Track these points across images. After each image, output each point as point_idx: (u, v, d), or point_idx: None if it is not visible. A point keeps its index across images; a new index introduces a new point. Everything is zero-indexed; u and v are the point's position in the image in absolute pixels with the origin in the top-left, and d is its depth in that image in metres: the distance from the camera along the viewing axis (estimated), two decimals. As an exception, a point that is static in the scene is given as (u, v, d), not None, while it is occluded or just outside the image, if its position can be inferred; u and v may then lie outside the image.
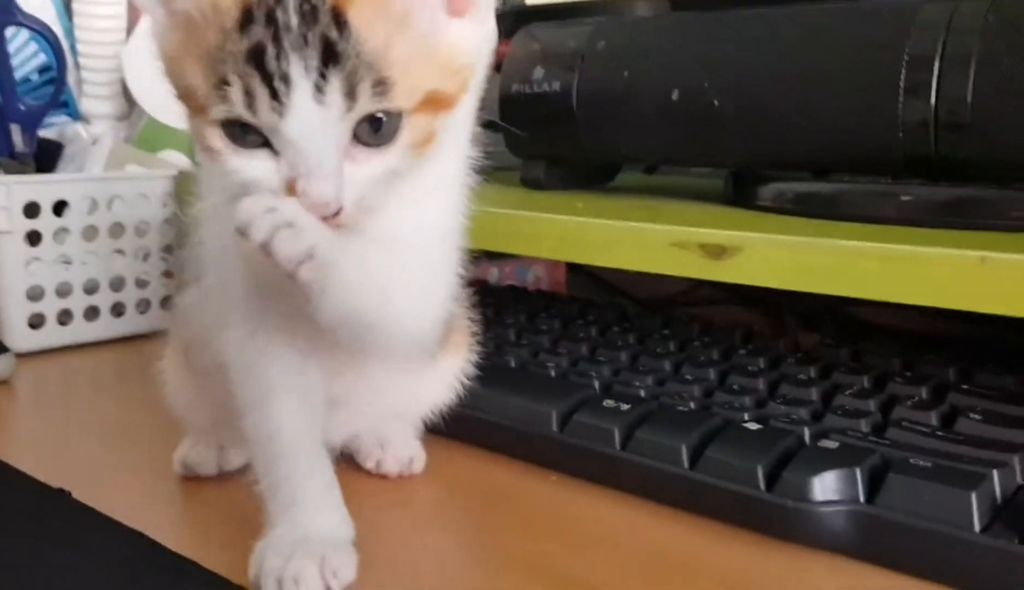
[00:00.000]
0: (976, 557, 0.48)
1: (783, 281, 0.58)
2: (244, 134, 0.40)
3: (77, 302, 0.97)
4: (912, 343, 0.72)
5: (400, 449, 0.64)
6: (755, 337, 0.76)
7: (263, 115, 0.39)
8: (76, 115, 1.04)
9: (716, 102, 0.72)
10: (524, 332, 0.80)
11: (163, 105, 1.03)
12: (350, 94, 0.39)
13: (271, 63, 0.38)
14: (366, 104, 0.39)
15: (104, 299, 0.98)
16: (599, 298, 0.96)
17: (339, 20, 0.38)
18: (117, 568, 0.51)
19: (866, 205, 0.66)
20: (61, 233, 0.94)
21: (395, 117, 0.41)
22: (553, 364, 0.73)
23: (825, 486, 0.52)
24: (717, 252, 0.60)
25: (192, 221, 0.56)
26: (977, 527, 0.49)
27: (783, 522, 0.53)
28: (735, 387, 0.66)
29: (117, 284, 0.99)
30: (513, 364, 0.74)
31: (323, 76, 0.38)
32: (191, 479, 0.64)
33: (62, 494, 0.59)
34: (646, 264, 0.64)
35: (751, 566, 0.53)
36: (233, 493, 0.62)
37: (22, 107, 0.95)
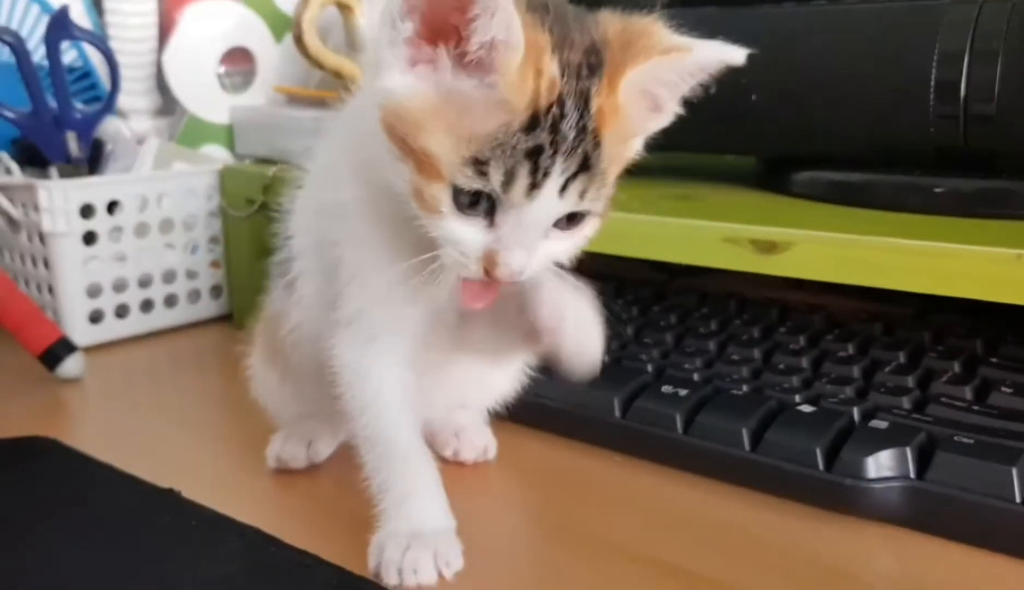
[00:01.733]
0: (1018, 525, 0.54)
1: (830, 275, 0.63)
2: (469, 203, 0.46)
3: (133, 296, 1.01)
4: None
5: (475, 437, 0.69)
6: (791, 313, 0.81)
7: (515, 197, 0.45)
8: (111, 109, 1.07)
9: (754, 96, 0.76)
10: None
11: (203, 103, 1.07)
12: (581, 196, 0.46)
13: (544, 161, 0.44)
14: (586, 205, 0.47)
15: (158, 291, 1.03)
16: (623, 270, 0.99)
17: (596, 138, 0.46)
18: (238, 564, 0.56)
19: (901, 195, 0.71)
20: (115, 232, 0.98)
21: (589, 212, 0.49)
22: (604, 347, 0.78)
23: (879, 464, 0.58)
24: (768, 247, 0.65)
25: (292, 231, 0.62)
26: (1018, 498, 0.54)
27: (841, 498, 0.59)
28: (781, 366, 0.71)
29: (169, 277, 1.03)
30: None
31: (572, 177, 0.45)
32: (283, 472, 0.69)
33: (171, 493, 0.64)
34: (698, 258, 0.69)
35: (812, 538, 0.58)
36: (324, 485, 0.67)
37: (77, 115, 0.98)
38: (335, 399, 0.57)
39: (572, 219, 0.48)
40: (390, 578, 0.53)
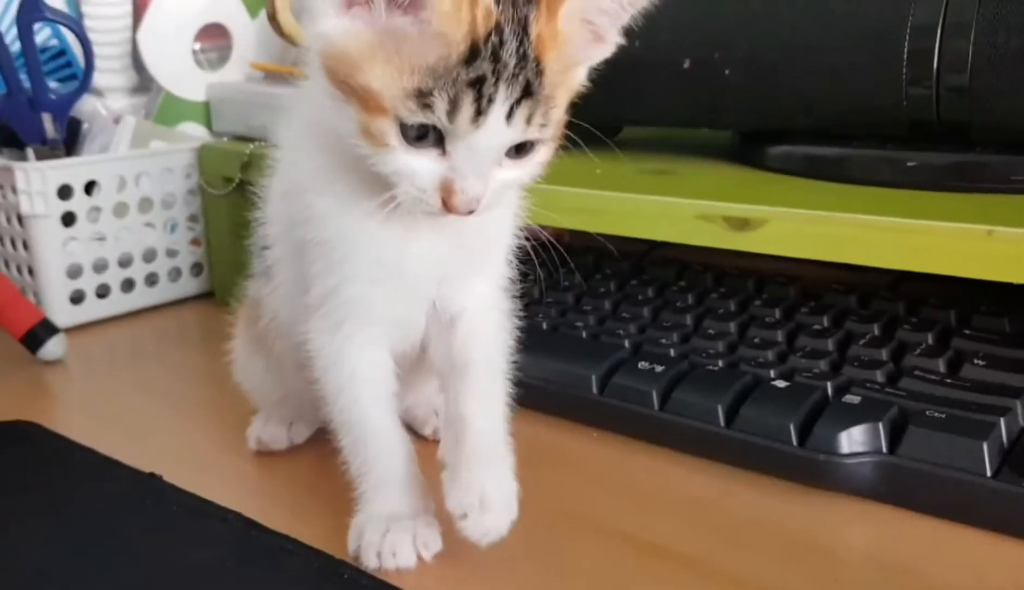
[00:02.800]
0: (989, 499, 0.55)
1: (803, 251, 0.63)
2: (416, 136, 0.46)
3: (113, 276, 1.01)
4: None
5: None
6: (767, 285, 0.81)
7: (461, 126, 0.45)
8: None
9: (727, 72, 0.76)
10: (547, 289, 0.85)
11: (179, 81, 1.06)
12: (527, 121, 0.47)
13: (488, 89, 0.45)
14: (533, 132, 0.47)
15: (138, 271, 1.03)
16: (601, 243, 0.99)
17: (538, 65, 0.46)
18: (220, 549, 0.57)
19: (874, 169, 0.71)
20: (94, 212, 0.98)
21: (539, 140, 0.49)
22: (582, 323, 0.78)
23: (852, 440, 0.59)
24: (740, 224, 0.65)
25: (266, 218, 0.62)
26: (988, 472, 0.55)
27: (814, 473, 0.59)
28: (756, 340, 0.72)
29: (149, 256, 1.03)
30: (544, 326, 0.79)
31: (517, 104, 0.46)
32: (264, 454, 0.69)
33: (153, 478, 0.64)
34: (672, 235, 0.69)
35: (786, 512, 0.59)
36: (304, 467, 0.68)
37: (52, 96, 0.97)
38: (312, 383, 0.58)
39: (523, 148, 0.48)
40: (370, 561, 0.53)
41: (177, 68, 1.06)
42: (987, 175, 0.66)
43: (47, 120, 0.97)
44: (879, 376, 0.65)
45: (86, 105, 1.04)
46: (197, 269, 1.08)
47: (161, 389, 0.84)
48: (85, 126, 1.05)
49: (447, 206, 0.47)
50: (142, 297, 1.04)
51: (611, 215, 0.72)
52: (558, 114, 0.48)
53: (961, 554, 0.54)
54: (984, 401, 0.60)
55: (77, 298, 0.99)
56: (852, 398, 0.61)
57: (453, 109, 0.44)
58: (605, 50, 0.50)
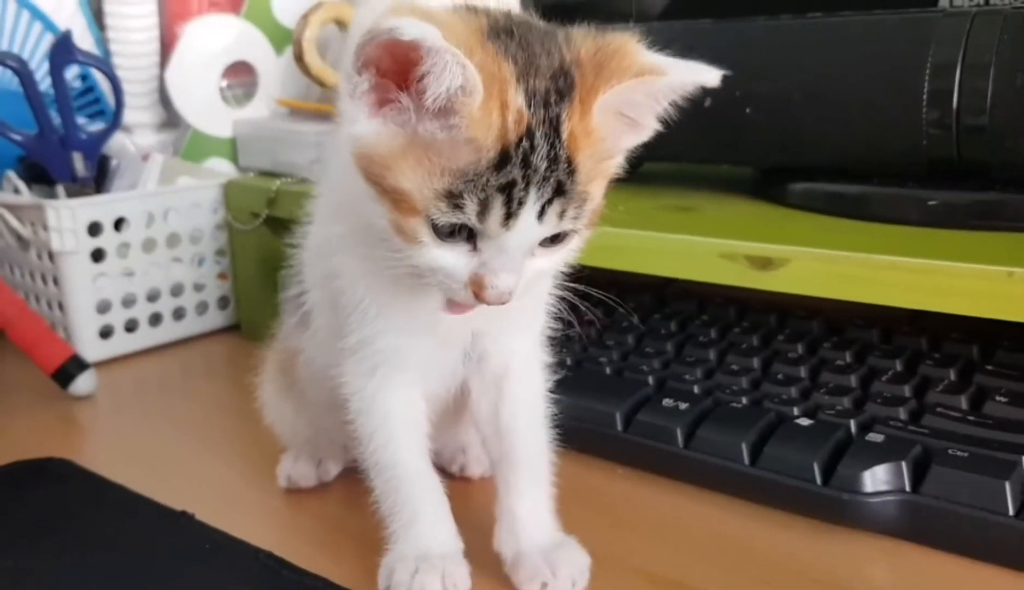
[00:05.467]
0: (1012, 538, 0.55)
1: (824, 291, 0.64)
2: (448, 233, 0.46)
3: (142, 310, 1.03)
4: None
5: (480, 453, 0.70)
6: (789, 319, 0.82)
7: (491, 227, 0.45)
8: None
9: (748, 110, 0.77)
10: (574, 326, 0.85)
11: (206, 117, 1.08)
12: (559, 217, 0.47)
13: (518, 193, 0.45)
14: (566, 225, 0.47)
15: (166, 305, 1.04)
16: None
17: (571, 164, 0.46)
18: (253, 588, 0.58)
19: (895, 207, 0.72)
20: (123, 248, 1.00)
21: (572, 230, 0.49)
22: (605, 359, 0.79)
23: (875, 478, 0.59)
24: (763, 263, 0.66)
25: (302, 265, 0.63)
26: (1011, 511, 0.56)
27: (838, 511, 0.60)
28: (779, 376, 0.72)
29: (177, 290, 1.05)
30: (568, 361, 0.80)
31: (548, 203, 0.46)
32: (293, 491, 0.70)
33: (184, 516, 0.65)
34: (694, 274, 0.70)
35: (810, 550, 0.60)
36: (333, 504, 0.69)
37: (83, 135, 1.00)
38: (346, 424, 0.59)
39: (557, 237, 0.48)
40: None
41: (204, 105, 1.08)
42: (1008, 213, 0.67)
43: (78, 159, 0.99)
44: (902, 413, 0.65)
45: (115, 142, 1.06)
46: (224, 302, 1.09)
47: (190, 424, 0.85)
48: (114, 163, 1.07)
49: (479, 298, 0.48)
50: (170, 331, 1.05)
51: (632, 253, 0.73)
52: (592, 205, 0.48)
53: (984, 594, 0.55)
54: (1006, 439, 0.60)
55: (106, 333, 1.00)
56: (875, 436, 0.62)
57: (483, 211, 0.45)
58: (641, 136, 0.49)
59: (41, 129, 0.98)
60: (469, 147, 0.44)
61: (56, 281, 0.98)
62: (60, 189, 0.99)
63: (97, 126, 1.06)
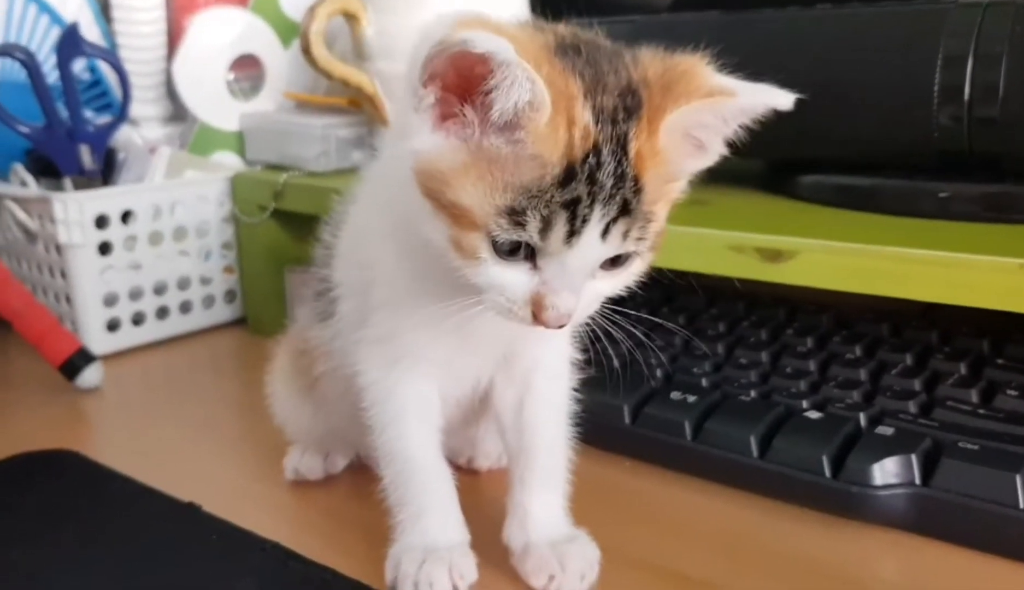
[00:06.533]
0: (1022, 531, 0.55)
1: (834, 283, 0.63)
2: (508, 250, 0.45)
3: (148, 303, 1.03)
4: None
5: (489, 446, 0.70)
6: (799, 313, 0.82)
7: (553, 245, 0.44)
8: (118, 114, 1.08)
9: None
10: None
11: (213, 111, 1.08)
12: (623, 237, 0.45)
13: (582, 210, 0.44)
14: (629, 246, 0.46)
15: (173, 298, 1.04)
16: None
17: (637, 183, 0.45)
18: (258, 579, 0.57)
19: (906, 200, 0.71)
20: (130, 241, 1.00)
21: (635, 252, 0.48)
22: (613, 351, 0.79)
23: (885, 471, 0.59)
24: (773, 256, 0.66)
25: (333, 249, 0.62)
26: (1021, 504, 0.55)
27: (847, 504, 0.60)
28: (788, 370, 0.72)
29: (184, 283, 1.05)
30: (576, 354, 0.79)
31: (613, 222, 0.45)
32: (300, 483, 0.70)
33: (192, 507, 0.65)
34: (704, 266, 0.69)
35: (819, 544, 0.59)
36: (340, 496, 0.69)
37: (90, 128, 1.00)
38: (360, 415, 0.58)
39: (619, 259, 0.47)
40: None
41: (211, 98, 1.08)
42: (1020, 206, 0.67)
43: (85, 152, 0.99)
44: (912, 407, 0.65)
45: (122, 135, 1.06)
46: (230, 296, 1.09)
47: (196, 416, 0.85)
48: (121, 156, 1.07)
49: (537, 319, 0.46)
50: (176, 324, 1.05)
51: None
52: (656, 227, 0.47)
53: (994, 586, 0.54)
54: (1017, 432, 0.60)
55: (113, 325, 1.00)
56: (885, 430, 0.62)
57: (546, 228, 0.44)
58: (707, 160, 0.48)
59: (48, 122, 0.98)
60: (534, 163, 0.43)
61: (63, 274, 0.98)
62: (67, 182, 0.99)
63: (104, 119, 1.05)
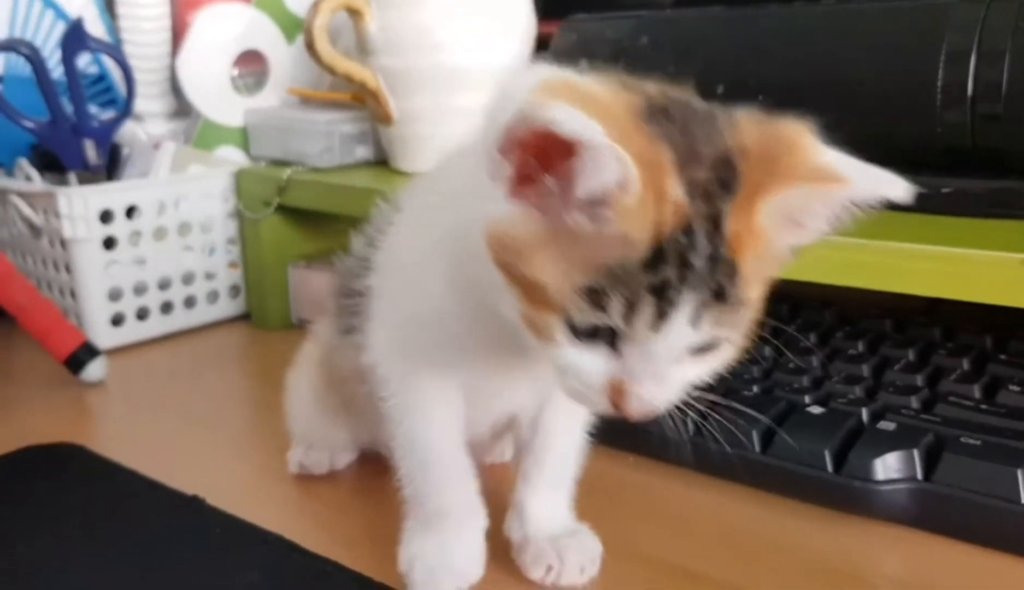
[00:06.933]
0: (1023, 525, 0.55)
1: (836, 278, 0.63)
2: (587, 333, 0.41)
3: (153, 298, 1.03)
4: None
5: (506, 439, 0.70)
6: (802, 309, 0.82)
7: (637, 331, 0.40)
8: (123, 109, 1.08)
9: (760, 97, 0.76)
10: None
11: (217, 106, 1.08)
12: (716, 322, 0.41)
13: (671, 294, 0.39)
14: (722, 332, 0.42)
15: (177, 293, 1.05)
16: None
17: (732, 265, 0.40)
18: (261, 572, 0.58)
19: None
20: (134, 235, 1.00)
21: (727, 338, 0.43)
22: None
23: (887, 466, 0.59)
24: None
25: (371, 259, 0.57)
26: (1023, 499, 0.55)
27: (849, 499, 0.60)
28: (791, 366, 0.72)
29: (188, 278, 1.05)
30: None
31: (705, 306, 0.40)
32: (304, 477, 0.70)
33: (195, 500, 0.66)
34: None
35: (821, 538, 0.59)
36: (344, 490, 0.69)
37: (95, 123, 1.00)
38: (379, 402, 0.55)
39: (707, 344, 0.43)
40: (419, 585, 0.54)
41: (215, 94, 1.08)
42: (1022, 201, 0.67)
43: (89, 146, 0.99)
44: (914, 402, 0.65)
45: (126, 130, 1.07)
46: (235, 291, 1.09)
47: (200, 411, 0.85)
48: (125, 151, 1.07)
49: (617, 408, 0.43)
50: (181, 319, 1.05)
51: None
52: (751, 312, 0.43)
53: (995, 581, 0.54)
54: (1019, 428, 0.60)
55: (117, 320, 1.00)
56: (887, 425, 0.62)
57: (630, 312, 0.40)
58: (807, 238, 0.44)
59: (53, 117, 0.98)
60: (618, 241, 0.39)
61: (68, 268, 0.98)
62: (72, 177, 1.00)
63: (108, 114, 1.06)
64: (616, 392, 0.42)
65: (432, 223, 0.51)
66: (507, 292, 0.42)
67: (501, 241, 0.41)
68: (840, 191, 0.41)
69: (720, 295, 0.40)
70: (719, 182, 0.40)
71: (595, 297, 0.40)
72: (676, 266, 0.39)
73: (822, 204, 0.42)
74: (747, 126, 0.42)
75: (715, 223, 0.39)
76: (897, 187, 0.42)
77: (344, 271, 0.61)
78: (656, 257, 0.39)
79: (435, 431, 0.55)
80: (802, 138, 0.42)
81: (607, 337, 0.42)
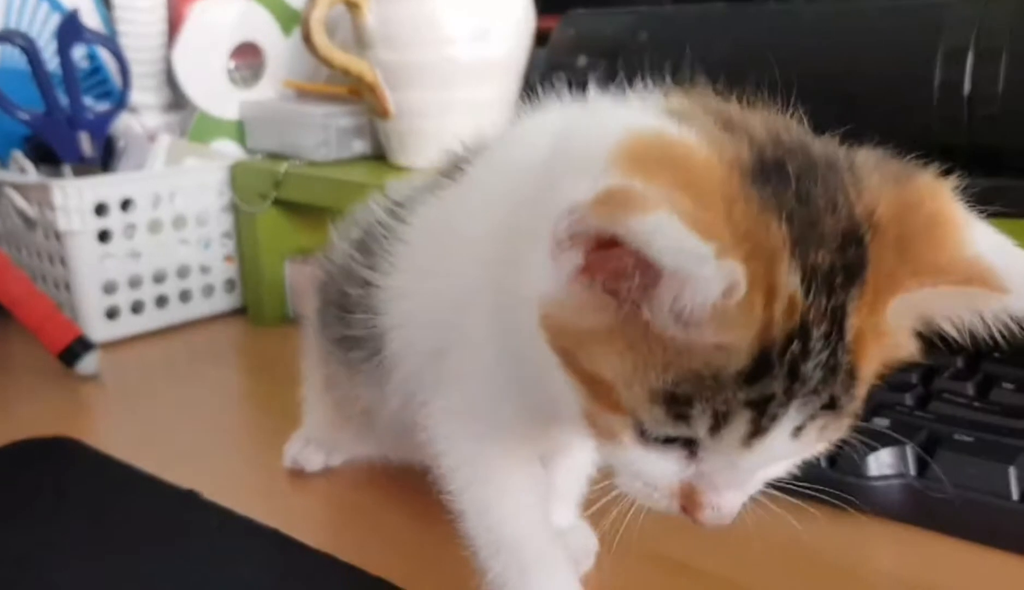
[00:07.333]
0: (1016, 522, 0.55)
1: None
2: (661, 438, 0.35)
3: (148, 292, 1.03)
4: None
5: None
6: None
7: (727, 446, 0.34)
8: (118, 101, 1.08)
9: (759, 93, 0.77)
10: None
11: (213, 99, 1.08)
12: (821, 433, 0.35)
13: (774, 409, 0.32)
14: (826, 443, 0.36)
15: (172, 287, 1.04)
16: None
17: (852, 373, 0.33)
18: (258, 566, 0.58)
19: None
20: (129, 228, 1.00)
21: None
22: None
23: (880, 462, 0.59)
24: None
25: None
26: (1015, 496, 0.56)
27: (843, 495, 0.59)
28: (785, 362, 0.72)
29: (183, 272, 1.05)
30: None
31: (811, 418, 0.34)
32: (299, 471, 0.70)
33: (192, 494, 0.66)
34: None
35: (814, 534, 0.59)
36: (340, 485, 0.69)
37: (90, 116, 1.00)
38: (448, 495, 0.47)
39: None
40: None
41: (211, 86, 1.08)
42: (1019, 199, 0.67)
43: (84, 139, 0.99)
44: (908, 399, 0.65)
45: (121, 123, 1.06)
46: (230, 285, 1.09)
47: (195, 405, 0.85)
48: (121, 143, 1.07)
49: (687, 514, 0.37)
50: (176, 313, 1.05)
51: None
52: (857, 409, 0.36)
53: (988, 577, 0.55)
54: (1012, 425, 0.60)
55: (112, 313, 1.00)
56: (881, 421, 0.62)
57: (718, 426, 0.33)
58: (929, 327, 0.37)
59: (48, 108, 0.98)
60: (713, 347, 0.31)
61: (62, 261, 0.98)
62: (67, 169, 0.99)
63: (104, 106, 1.05)
64: (688, 498, 0.37)
65: (468, 256, 0.43)
66: (565, 381, 0.35)
67: (558, 326, 0.34)
68: (992, 300, 0.34)
69: (832, 405, 0.34)
70: (844, 268, 0.32)
71: (676, 406, 0.33)
72: (784, 378, 0.32)
73: (963, 307, 0.35)
74: (877, 183, 0.35)
75: (836, 322, 0.32)
76: None
77: (335, 275, 0.57)
78: (760, 367, 0.32)
79: (523, 525, 0.46)
80: (947, 208, 0.35)
81: (684, 442, 0.35)
